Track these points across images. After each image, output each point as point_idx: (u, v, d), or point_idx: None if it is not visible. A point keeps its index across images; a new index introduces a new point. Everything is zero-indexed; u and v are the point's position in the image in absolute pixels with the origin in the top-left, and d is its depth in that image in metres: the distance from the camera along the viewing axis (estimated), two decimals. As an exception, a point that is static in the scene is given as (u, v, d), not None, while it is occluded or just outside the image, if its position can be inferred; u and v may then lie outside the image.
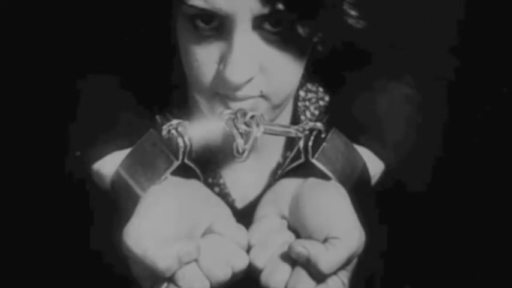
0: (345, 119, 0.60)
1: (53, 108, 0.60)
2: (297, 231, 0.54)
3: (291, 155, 0.57)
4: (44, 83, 0.63)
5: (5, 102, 0.65)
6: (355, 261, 0.51)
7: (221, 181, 0.64)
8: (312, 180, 0.55)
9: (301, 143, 0.55)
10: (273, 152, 0.65)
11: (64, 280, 0.66)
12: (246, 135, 0.53)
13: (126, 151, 0.55)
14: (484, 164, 0.72)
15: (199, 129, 0.53)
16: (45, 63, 0.63)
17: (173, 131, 0.53)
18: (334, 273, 0.49)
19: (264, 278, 0.50)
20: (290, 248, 0.50)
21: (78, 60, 0.62)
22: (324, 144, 0.55)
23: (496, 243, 0.69)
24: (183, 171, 0.54)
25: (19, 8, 0.65)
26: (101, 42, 0.61)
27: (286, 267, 0.50)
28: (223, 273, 0.50)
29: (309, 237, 0.51)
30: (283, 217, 0.55)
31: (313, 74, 0.63)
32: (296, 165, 0.55)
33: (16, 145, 0.65)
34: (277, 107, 0.57)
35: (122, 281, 0.55)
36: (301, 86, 0.65)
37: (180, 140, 0.53)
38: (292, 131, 0.55)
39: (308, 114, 0.65)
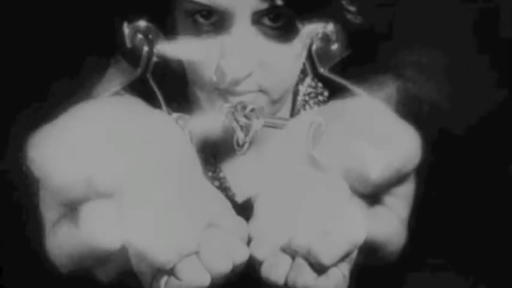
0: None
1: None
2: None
3: None
4: (39, 80, 0.64)
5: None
6: (355, 253, 0.51)
7: (221, 175, 0.64)
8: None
9: None
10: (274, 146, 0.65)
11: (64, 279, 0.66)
12: (246, 128, 0.53)
13: None
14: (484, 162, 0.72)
15: (199, 123, 0.54)
16: (40, 60, 0.64)
17: (173, 124, 0.53)
18: (335, 265, 0.49)
19: (264, 270, 0.50)
20: (291, 239, 0.50)
21: (78, 57, 0.62)
22: None
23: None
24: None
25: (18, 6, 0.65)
26: (100, 38, 0.61)
27: (286, 259, 0.50)
28: (224, 266, 0.49)
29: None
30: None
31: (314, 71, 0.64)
32: None
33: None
34: (276, 102, 0.57)
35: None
36: (300, 80, 0.65)
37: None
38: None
39: (308, 108, 0.65)
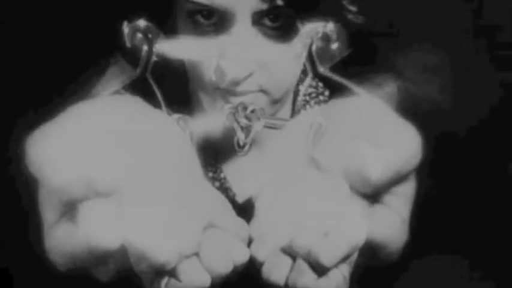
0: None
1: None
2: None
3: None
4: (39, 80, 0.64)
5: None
6: (355, 254, 0.52)
7: (222, 175, 0.64)
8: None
9: None
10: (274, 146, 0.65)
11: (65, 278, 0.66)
12: (246, 129, 0.53)
13: None
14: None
15: (200, 124, 0.54)
16: (40, 60, 0.64)
17: (174, 126, 0.53)
18: (336, 266, 0.49)
19: (265, 271, 0.50)
20: (291, 240, 0.50)
21: (78, 56, 0.62)
22: None
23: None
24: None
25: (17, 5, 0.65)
26: (100, 37, 0.61)
27: (287, 261, 0.50)
28: (224, 267, 0.50)
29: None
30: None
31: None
32: None
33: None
34: (277, 102, 0.58)
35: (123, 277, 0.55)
36: (301, 80, 0.65)
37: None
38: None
39: (308, 108, 0.65)
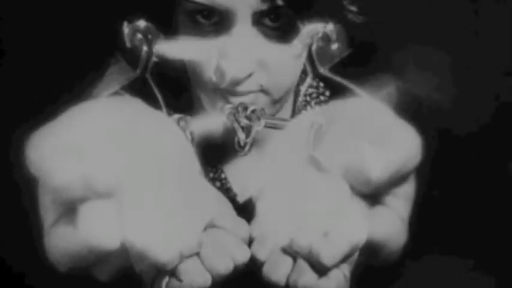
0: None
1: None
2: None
3: None
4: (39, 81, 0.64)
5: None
6: (356, 254, 0.52)
7: (222, 176, 0.64)
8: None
9: None
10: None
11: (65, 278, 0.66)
12: (247, 129, 0.53)
13: None
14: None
15: (200, 124, 0.54)
16: (40, 60, 0.64)
17: (174, 125, 0.53)
18: (336, 266, 0.49)
19: (265, 271, 0.50)
20: (292, 240, 0.50)
21: (80, 56, 0.62)
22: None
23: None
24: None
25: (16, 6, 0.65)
26: (101, 40, 0.61)
27: (288, 260, 0.50)
28: (225, 267, 0.49)
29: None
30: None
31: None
32: None
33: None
34: (277, 102, 0.58)
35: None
36: (301, 81, 0.65)
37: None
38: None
39: (309, 109, 0.65)
